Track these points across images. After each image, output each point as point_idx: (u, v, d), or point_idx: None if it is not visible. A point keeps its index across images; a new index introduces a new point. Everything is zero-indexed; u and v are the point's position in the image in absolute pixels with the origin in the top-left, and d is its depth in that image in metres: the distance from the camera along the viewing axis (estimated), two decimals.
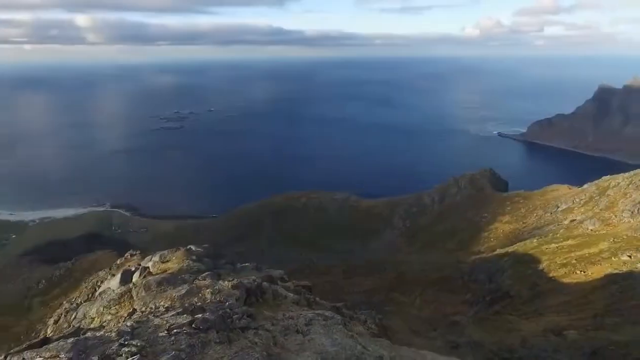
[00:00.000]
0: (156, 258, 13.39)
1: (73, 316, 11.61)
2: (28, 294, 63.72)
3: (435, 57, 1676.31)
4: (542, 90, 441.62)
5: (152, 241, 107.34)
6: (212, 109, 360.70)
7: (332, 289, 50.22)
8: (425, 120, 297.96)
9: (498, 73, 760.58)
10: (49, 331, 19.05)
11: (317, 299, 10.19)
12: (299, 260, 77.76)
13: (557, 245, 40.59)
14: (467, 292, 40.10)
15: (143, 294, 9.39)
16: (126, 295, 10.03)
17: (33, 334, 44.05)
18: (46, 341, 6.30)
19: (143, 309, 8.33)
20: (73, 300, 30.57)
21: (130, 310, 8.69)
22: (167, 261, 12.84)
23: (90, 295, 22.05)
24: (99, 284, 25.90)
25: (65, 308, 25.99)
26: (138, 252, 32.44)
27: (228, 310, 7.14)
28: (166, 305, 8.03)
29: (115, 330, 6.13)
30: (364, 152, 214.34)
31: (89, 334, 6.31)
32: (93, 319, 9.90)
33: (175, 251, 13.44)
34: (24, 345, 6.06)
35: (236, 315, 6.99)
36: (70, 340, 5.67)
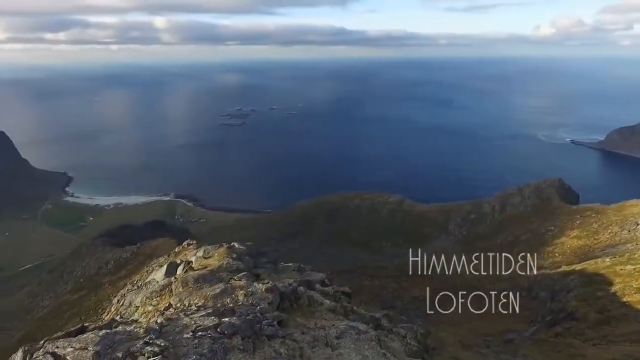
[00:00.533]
0: (200, 253, 13.74)
1: (122, 303, 12.28)
2: (99, 272, 69.45)
3: (503, 57, 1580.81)
4: (626, 94, 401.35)
5: (210, 232, 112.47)
6: (274, 107, 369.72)
7: (381, 293, 49.35)
8: (488, 123, 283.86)
9: (574, 75, 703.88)
10: (112, 309, 20.53)
11: (355, 307, 9.86)
12: (350, 260, 77.29)
13: (634, 267, 36.62)
14: (526, 309, 37.49)
15: (180, 289, 9.61)
16: (167, 289, 10.36)
17: (99, 310, 48.01)
18: (83, 330, 6.60)
19: (178, 304, 8.52)
20: (134, 282, 32.93)
21: (167, 304, 8.93)
22: (210, 257, 13.10)
23: (145, 280, 23.43)
24: (156, 268, 27.53)
25: (128, 289, 27.95)
26: (194, 242, 33.72)
27: (258, 314, 7.03)
28: (199, 304, 8.12)
29: (144, 326, 6.27)
30: (421, 154, 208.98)
31: (120, 327, 6.51)
32: (137, 307, 10.37)
33: (218, 247, 13.69)
34: (62, 333, 6.40)
35: (266, 321, 6.86)
36: (101, 333, 5.88)
